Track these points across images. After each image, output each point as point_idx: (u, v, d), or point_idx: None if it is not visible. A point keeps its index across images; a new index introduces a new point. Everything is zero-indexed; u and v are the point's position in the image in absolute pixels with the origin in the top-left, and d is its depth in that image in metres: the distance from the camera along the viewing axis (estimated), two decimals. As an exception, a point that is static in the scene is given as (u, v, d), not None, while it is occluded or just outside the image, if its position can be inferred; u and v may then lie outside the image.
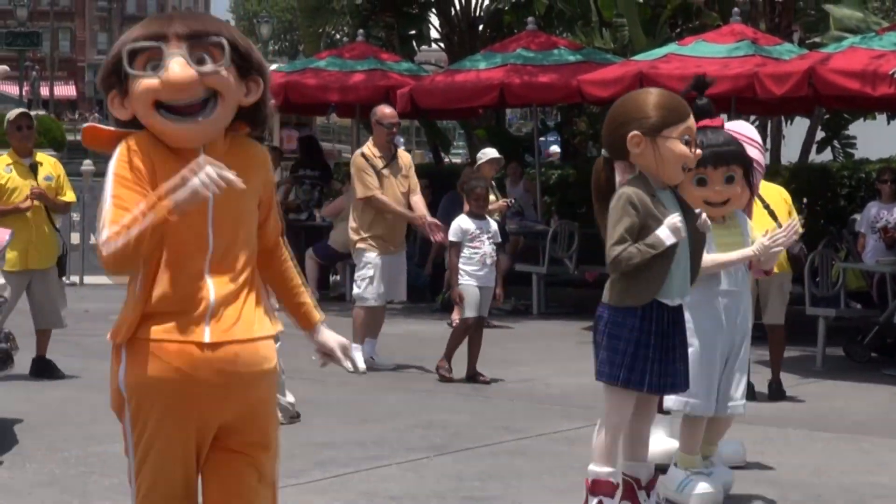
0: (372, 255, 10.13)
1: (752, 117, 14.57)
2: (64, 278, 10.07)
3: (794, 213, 8.67)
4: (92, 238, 17.66)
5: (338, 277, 15.85)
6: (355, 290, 10.32)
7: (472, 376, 9.62)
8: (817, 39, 15.99)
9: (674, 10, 17.16)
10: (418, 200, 10.28)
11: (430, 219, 10.22)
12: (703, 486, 5.99)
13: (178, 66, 3.38)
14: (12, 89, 51.05)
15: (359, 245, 10.19)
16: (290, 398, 7.91)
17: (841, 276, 11.18)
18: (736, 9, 14.86)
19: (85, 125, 3.72)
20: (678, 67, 12.52)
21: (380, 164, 10.18)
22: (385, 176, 10.16)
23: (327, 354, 3.79)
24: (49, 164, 9.89)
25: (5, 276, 8.28)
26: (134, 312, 3.46)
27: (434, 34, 20.28)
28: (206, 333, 3.44)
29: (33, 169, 9.69)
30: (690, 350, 5.50)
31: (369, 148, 10.32)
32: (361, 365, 9.66)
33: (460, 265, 9.57)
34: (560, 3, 18.67)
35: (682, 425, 6.14)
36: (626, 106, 5.25)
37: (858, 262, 11.79)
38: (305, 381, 8.80)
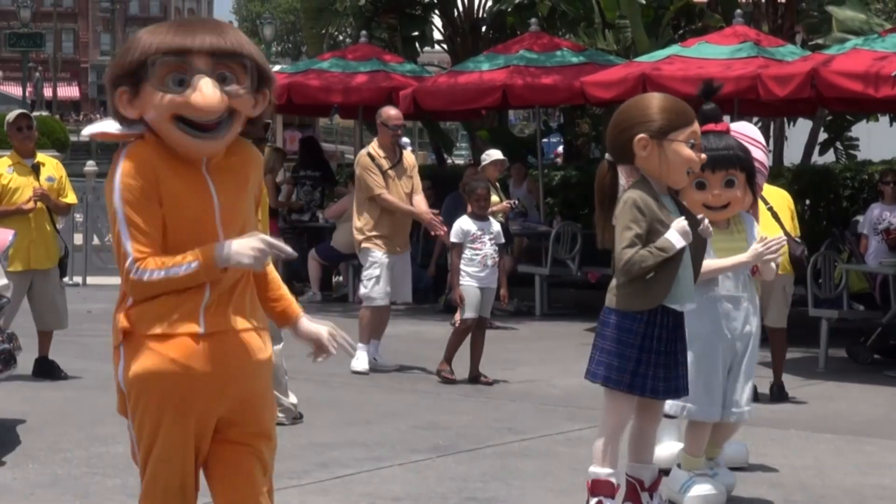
0: (379, 254, 10.12)
1: (755, 119, 14.55)
2: (65, 279, 10.07)
3: (796, 220, 8.67)
4: (95, 239, 17.67)
5: (340, 278, 15.86)
6: (362, 290, 10.31)
7: (475, 377, 9.62)
8: (820, 41, 15.96)
9: (677, 11, 17.13)
10: (420, 200, 10.30)
11: (433, 214, 10.28)
12: (705, 488, 5.98)
13: (208, 88, 3.40)
14: (16, 90, 51.10)
15: (364, 245, 10.19)
16: (292, 399, 7.91)
17: (843, 277, 11.17)
18: (739, 10, 14.85)
19: (86, 132, 3.72)
20: (681, 69, 12.51)
21: (385, 164, 10.19)
22: (390, 176, 10.17)
23: (318, 347, 3.80)
24: (51, 165, 9.89)
25: (8, 277, 8.28)
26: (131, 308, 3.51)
27: (437, 35, 20.26)
28: (202, 325, 3.48)
29: (35, 170, 9.68)
30: (689, 355, 5.49)
31: (374, 148, 10.32)
32: (360, 354, 9.77)
33: (461, 266, 9.57)
34: (563, 5, 18.64)
35: (688, 427, 6.13)
36: (631, 109, 5.24)
37: (861, 264, 11.76)
38: (308, 382, 8.81)
